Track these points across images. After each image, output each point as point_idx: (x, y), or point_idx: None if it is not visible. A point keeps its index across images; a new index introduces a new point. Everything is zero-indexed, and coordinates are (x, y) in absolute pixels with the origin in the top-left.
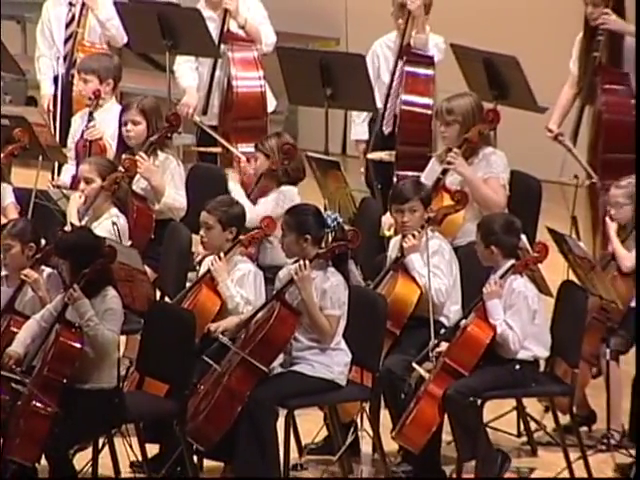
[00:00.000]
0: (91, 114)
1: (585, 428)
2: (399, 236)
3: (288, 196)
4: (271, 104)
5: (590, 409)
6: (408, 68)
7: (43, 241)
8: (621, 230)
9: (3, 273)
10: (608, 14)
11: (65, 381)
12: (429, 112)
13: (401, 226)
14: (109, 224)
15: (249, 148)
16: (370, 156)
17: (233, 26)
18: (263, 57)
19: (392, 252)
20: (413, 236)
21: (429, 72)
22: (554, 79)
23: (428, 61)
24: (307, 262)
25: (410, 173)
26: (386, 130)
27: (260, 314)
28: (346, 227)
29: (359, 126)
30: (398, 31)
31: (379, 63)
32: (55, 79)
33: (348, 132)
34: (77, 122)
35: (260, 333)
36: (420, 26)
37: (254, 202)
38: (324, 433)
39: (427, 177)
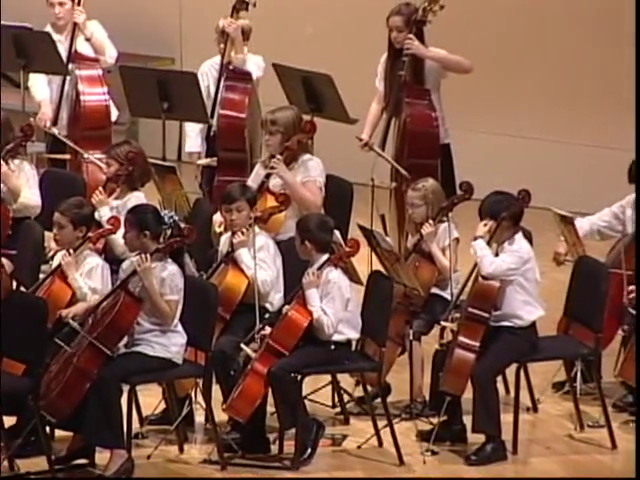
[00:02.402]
0: None
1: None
2: (229, 233)
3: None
4: (114, 115)
5: (386, 383)
6: (227, 83)
7: None
8: (418, 226)
9: None
10: (412, 39)
11: None
12: (244, 122)
13: (229, 224)
14: None
15: (97, 155)
16: (199, 162)
17: (80, 47)
18: (107, 74)
19: (223, 247)
20: (242, 233)
21: (246, 86)
22: (363, 94)
23: (245, 77)
24: (148, 255)
25: (230, 178)
26: None
27: (106, 301)
28: (182, 225)
29: (192, 140)
30: (221, 55)
31: (208, 82)
32: None
33: (183, 140)
34: None
35: (107, 318)
36: (238, 47)
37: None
38: (162, 406)
39: (253, 180)
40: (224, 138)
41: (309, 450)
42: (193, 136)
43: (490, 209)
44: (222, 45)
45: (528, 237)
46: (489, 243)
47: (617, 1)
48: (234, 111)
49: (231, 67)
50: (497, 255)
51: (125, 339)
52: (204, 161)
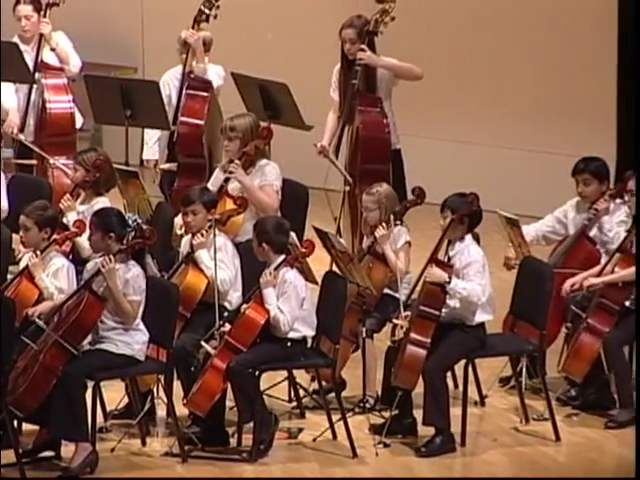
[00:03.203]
0: None
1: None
2: (190, 235)
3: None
4: (79, 122)
5: (341, 378)
6: (188, 91)
7: None
8: (372, 228)
9: None
10: (364, 50)
11: None
12: (202, 129)
13: (186, 226)
14: None
15: (62, 160)
16: (162, 166)
17: (46, 57)
18: (72, 82)
19: (184, 248)
20: (202, 234)
21: (206, 95)
22: (318, 102)
23: (206, 86)
24: (112, 256)
25: (189, 182)
26: None
27: (71, 300)
28: (144, 227)
29: (150, 148)
30: (183, 64)
31: (170, 91)
32: None
33: (143, 143)
34: None
35: (71, 317)
36: (199, 57)
37: None
38: (125, 401)
39: (213, 184)
40: (183, 144)
41: (266, 443)
42: (150, 144)
43: (453, 204)
44: (184, 55)
45: (476, 239)
46: (442, 239)
47: (565, 8)
48: (194, 118)
49: (192, 76)
50: (446, 253)
51: (89, 337)
52: (165, 166)
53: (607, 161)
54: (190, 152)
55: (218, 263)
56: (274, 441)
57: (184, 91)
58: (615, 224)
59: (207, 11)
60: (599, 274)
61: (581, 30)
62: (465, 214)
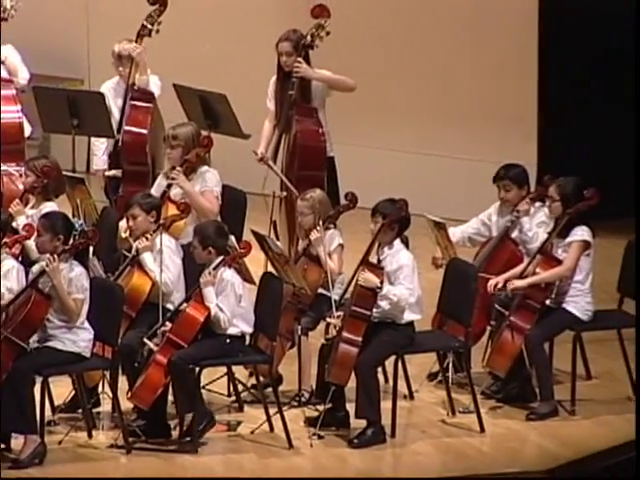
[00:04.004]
0: None
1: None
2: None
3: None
4: (27, 131)
5: (278, 374)
6: (132, 102)
7: None
8: (307, 232)
9: None
10: (300, 63)
11: None
12: (146, 138)
13: (130, 230)
14: None
15: (11, 168)
16: (107, 173)
17: None
18: (21, 93)
19: (134, 251)
20: (146, 238)
21: (149, 105)
22: (255, 112)
23: (149, 97)
24: (55, 256)
25: (134, 188)
26: None
27: (18, 299)
28: (87, 229)
29: (99, 159)
30: (120, 77)
31: (108, 101)
32: None
33: (91, 154)
34: None
35: (19, 315)
36: (142, 69)
37: None
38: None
39: (156, 190)
40: (128, 152)
41: (201, 435)
42: (99, 155)
43: (384, 209)
44: (120, 68)
45: (405, 242)
46: (373, 242)
47: (485, 16)
48: (138, 128)
49: (135, 87)
50: (377, 256)
51: (37, 335)
52: (111, 172)
53: (528, 166)
54: (134, 160)
55: (162, 266)
56: (206, 433)
57: (128, 102)
58: (535, 225)
59: (149, 26)
60: (521, 274)
61: (502, 38)
62: (395, 220)
